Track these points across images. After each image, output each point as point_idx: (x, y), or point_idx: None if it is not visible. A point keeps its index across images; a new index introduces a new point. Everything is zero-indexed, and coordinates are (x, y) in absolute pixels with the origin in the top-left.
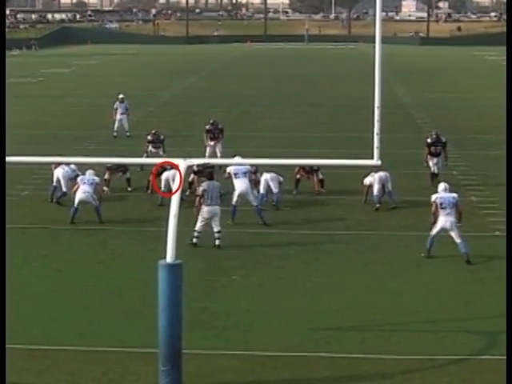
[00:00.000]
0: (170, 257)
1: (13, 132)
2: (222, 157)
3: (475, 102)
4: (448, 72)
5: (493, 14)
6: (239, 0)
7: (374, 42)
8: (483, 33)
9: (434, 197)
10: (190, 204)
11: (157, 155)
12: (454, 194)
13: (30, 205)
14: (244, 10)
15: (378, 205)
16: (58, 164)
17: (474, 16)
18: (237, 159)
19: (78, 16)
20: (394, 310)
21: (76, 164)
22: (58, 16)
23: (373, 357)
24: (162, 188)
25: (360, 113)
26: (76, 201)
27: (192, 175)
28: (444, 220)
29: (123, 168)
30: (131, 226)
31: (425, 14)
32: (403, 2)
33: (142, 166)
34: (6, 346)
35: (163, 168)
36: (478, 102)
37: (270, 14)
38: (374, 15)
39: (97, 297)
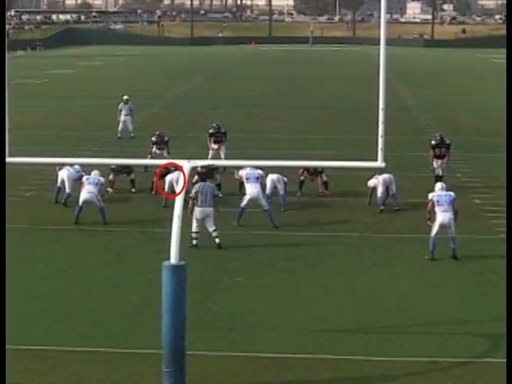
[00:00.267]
0: (173, 258)
1: (17, 133)
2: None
3: (480, 104)
4: (452, 74)
5: (497, 16)
6: (244, 2)
7: (378, 44)
8: (488, 35)
9: (431, 195)
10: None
11: (161, 156)
12: (451, 193)
13: (34, 205)
14: (249, 12)
15: (382, 207)
16: (63, 165)
17: (478, 18)
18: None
19: (82, 17)
20: (397, 313)
21: (80, 165)
22: (62, 17)
23: (377, 359)
24: (166, 190)
25: (364, 114)
26: (80, 201)
27: (196, 176)
28: (442, 216)
29: (127, 169)
30: (135, 227)
31: (429, 16)
32: (408, 4)
33: (146, 167)
34: (10, 346)
35: (167, 169)
36: (483, 104)
37: (275, 16)
38: (379, 17)
39: (100, 298)
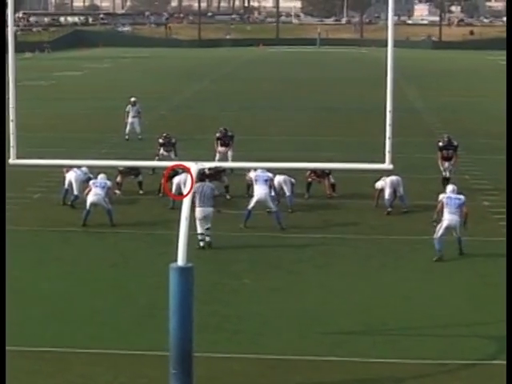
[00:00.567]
0: (181, 260)
1: (25, 135)
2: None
3: (487, 106)
4: (460, 76)
5: (505, 18)
6: (251, 3)
7: (386, 45)
8: (496, 37)
9: (441, 196)
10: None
11: (168, 158)
12: (461, 196)
13: (42, 207)
14: (256, 14)
15: (389, 209)
16: (70, 167)
17: (486, 20)
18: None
19: (90, 19)
20: (405, 315)
21: (88, 167)
22: (70, 19)
23: (384, 361)
24: (173, 192)
25: (372, 117)
26: (88, 203)
27: None
28: (450, 218)
29: (135, 171)
30: (142, 229)
31: (437, 18)
32: (416, 6)
33: (153, 169)
34: (17, 348)
35: (175, 172)
36: (490, 106)
37: (282, 18)
38: (387, 19)
39: (108, 300)
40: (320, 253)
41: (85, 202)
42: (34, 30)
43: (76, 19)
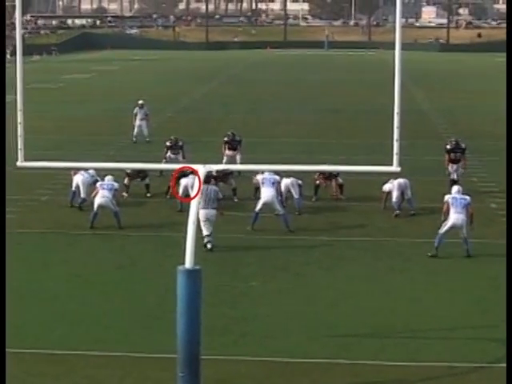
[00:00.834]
0: (188, 262)
1: (32, 137)
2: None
3: (495, 108)
4: (468, 78)
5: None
6: (259, 6)
7: (393, 48)
8: (504, 39)
9: (446, 197)
10: None
11: (176, 161)
12: (467, 197)
13: (49, 210)
14: (264, 16)
15: (397, 211)
16: (78, 170)
17: (494, 22)
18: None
19: (98, 22)
20: (413, 317)
21: (96, 169)
22: (78, 22)
23: (392, 364)
24: (180, 194)
25: (379, 119)
26: (95, 206)
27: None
28: (455, 218)
29: (142, 174)
30: (150, 231)
31: (445, 21)
32: (423, 9)
33: (161, 172)
34: (24, 350)
35: (183, 173)
36: (499, 108)
37: (290, 20)
38: (394, 22)
39: (115, 302)
40: (327, 255)
41: (92, 204)
42: (42, 32)
43: (84, 22)
